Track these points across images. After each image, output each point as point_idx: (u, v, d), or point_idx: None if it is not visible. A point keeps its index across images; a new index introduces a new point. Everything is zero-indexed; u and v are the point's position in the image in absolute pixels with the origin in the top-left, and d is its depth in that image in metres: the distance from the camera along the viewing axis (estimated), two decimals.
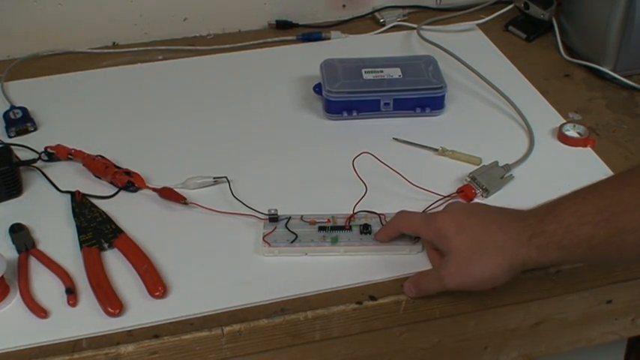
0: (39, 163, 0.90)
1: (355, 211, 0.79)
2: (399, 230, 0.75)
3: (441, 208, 0.81)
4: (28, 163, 0.89)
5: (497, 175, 0.86)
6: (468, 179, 0.85)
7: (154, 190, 0.85)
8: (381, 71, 0.98)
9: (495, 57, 1.11)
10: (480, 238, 0.67)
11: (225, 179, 0.86)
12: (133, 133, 0.96)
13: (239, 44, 1.15)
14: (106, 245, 0.78)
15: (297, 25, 1.20)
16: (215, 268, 0.76)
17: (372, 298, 0.72)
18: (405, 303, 0.73)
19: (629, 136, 0.94)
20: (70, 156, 0.90)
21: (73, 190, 0.85)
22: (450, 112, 0.98)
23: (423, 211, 0.80)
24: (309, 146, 0.93)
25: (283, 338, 0.72)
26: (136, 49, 1.15)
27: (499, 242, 0.66)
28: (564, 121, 0.95)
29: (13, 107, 0.99)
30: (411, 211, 0.76)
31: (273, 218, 0.79)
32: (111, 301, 0.71)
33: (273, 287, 0.73)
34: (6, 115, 0.98)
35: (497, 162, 0.87)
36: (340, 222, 0.79)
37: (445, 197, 0.82)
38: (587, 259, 0.72)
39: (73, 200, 0.84)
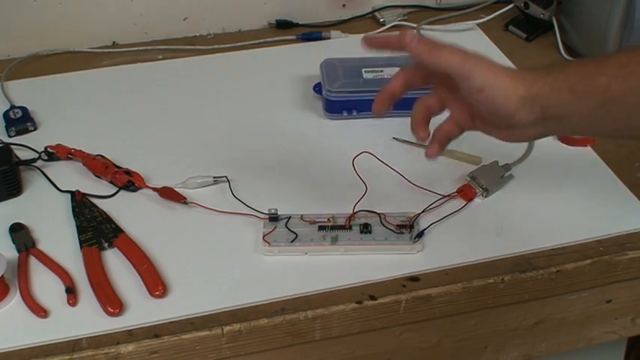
0: (39, 163, 0.90)
1: (355, 211, 0.79)
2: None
3: (441, 207, 0.82)
4: (28, 163, 0.89)
5: (497, 174, 0.86)
6: (468, 179, 0.85)
7: (154, 189, 0.85)
8: (381, 71, 0.98)
9: (495, 56, 1.11)
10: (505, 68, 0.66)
11: (225, 179, 0.86)
12: (133, 132, 0.96)
13: (239, 44, 1.15)
14: (106, 245, 0.78)
15: (297, 25, 1.21)
16: (215, 268, 0.76)
17: (372, 298, 0.72)
18: (405, 302, 0.73)
19: None
20: (70, 155, 0.90)
21: (73, 189, 0.85)
22: None
23: (423, 211, 0.81)
24: (309, 146, 0.93)
25: (283, 338, 0.72)
26: (135, 48, 1.15)
27: (520, 72, 0.65)
28: None
29: (13, 107, 0.99)
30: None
31: (273, 218, 0.79)
32: (111, 301, 0.71)
33: (273, 287, 0.73)
34: (6, 114, 0.98)
35: (497, 161, 0.87)
36: (340, 221, 0.79)
37: (445, 197, 0.82)
38: (594, 117, 0.64)
39: (73, 200, 0.84)
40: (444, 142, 0.72)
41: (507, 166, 0.87)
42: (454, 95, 0.69)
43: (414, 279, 0.74)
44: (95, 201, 0.84)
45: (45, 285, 0.74)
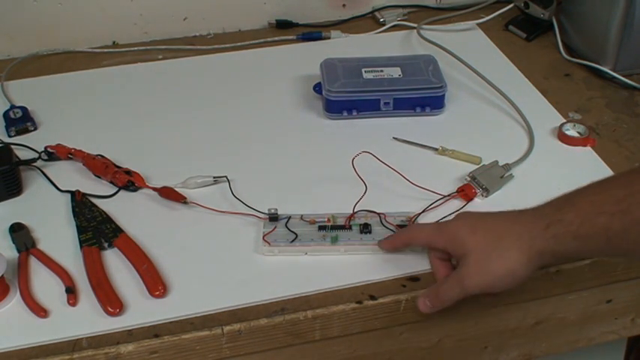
0: (39, 163, 0.90)
1: (355, 211, 0.79)
2: (408, 243, 0.75)
3: (441, 208, 0.82)
4: (28, 163, 0.89)
5: (497, 174, 0.85)
6: (468, 179, 0.85)
7: (154, 189, 0.85)
8: (381, 70, 0.98)
9: (495, 56, 1.11)
10: (496, 234, 0.66)
11: (225, 178, 0.86)
12: (133, 132, 0.96)
13: (239, 44, 1.15)
14: (106, 245, 0.78)
15: (297, 25, 1.21)
16: (215, 268, 0.76)
17: (372, 298, 0.72)
18: (405, 302, 0.73)
19: (629, 136, 0.94)
20: (70, 155, 0.90)
21: (73, 189, 0.85)
22: (450, 111, 0.98)
23: (423, 211, 0.80)
24: (309, 146, 0.93)
25: (283, 338, 0.72)
26: (135, 48, 1.15)
27: (514, 234, 0.65)
28: (564, 120, 0.95)
29: (13, 106, 0.99)
30: (422, 223, 0.75)
31: (273, 217, 0.79)
32: (111, 301, 0.71)
33: (273, 287, 0.73)
34: (6, 114, 0.98)
35: (497, 161, 0.87)
36: (340, 221, 0.79)
37: (445, 197, 0.82)
38: (603, 252, 0.68)
39: (73, 200, 0.84)
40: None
41: (507, 166, 0.87)
42: None
43: (414, 279, 0.74)
44: (95, 201, 0.84)
45: (45, 285, 0.74)
